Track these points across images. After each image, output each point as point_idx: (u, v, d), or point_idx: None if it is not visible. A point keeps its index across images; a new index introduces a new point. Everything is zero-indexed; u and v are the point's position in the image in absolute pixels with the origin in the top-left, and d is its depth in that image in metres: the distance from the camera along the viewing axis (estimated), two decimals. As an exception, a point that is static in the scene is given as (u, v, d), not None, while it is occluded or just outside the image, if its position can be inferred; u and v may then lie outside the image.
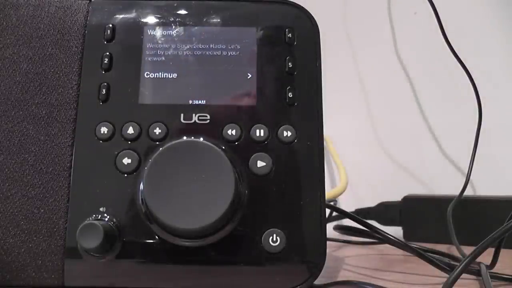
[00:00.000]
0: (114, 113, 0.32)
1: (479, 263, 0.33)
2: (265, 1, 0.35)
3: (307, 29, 0.34)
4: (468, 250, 0.32)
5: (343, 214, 0.42)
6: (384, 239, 0.36)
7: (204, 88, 0.32)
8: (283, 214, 0.30)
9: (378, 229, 0.37)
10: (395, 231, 0.58)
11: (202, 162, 0.29)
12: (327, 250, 0.30)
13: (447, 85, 0.67)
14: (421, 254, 0.34)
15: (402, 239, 0.56)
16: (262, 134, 0.31)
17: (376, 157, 0.70)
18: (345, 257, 0.47)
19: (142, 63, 0.33)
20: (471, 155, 0.55)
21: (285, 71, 0.33)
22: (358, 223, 0.39)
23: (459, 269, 0.27)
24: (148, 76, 0.32)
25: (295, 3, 0.35)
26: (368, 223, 0.38)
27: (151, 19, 0.34)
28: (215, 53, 0.33)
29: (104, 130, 0.31)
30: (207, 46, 0.33)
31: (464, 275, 0.34)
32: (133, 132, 0.31)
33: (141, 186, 0.29)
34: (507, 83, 0.65)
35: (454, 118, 0.66)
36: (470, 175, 0.54)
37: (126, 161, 0.31)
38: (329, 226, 0.41)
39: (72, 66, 0.32)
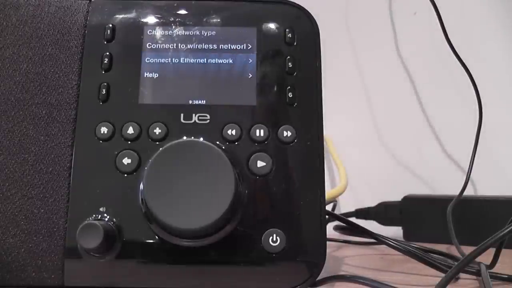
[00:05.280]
0: (114, 113, 0.32)
1: (479, 263, 0.33)
2: (265, 1, 0.35)
3: (307, 29, 0.34)
4: (468, 250, 0.32)
5: (341, 221, 0.42)
6: (380, 242, 0.36)
7: (204, 88, 0.32)
8: (283, 214, 0.30)
9: (373, 233, 0.37)
10: (395, 231, 0.58)
11: (202, 162, 0.29)
12: (327, 250, 0.30)
13: (447, 84, 0.67)
14: (417, 256, 0.33)
15: (402, 239, 0.57)
16: (262, 134, 0.31)
17: (376, 157, 0.70)
18: (345, 257, 0.47)
19: (142, 63, 0.33)
20: (471, 154, 0.55)
21: (285, 71, 0.33)
22: (354, 228, 0.39)
23: (454, 271, 0.27)
24: (148, 76, 0.32)
25: (295, 3, 0.35)
26: (364, 228, 0.38)
27: (151, 19, 0.34)
28: (215, 53, 0.33)
29: (104, 130, 0.31)
30: (207, 46, 0.33)
31: (464, 275, 0.34)
32: (133, 132, 0.31)
33: (141, 186, 0.29)
34: (508, 83, 0.65)
35: (455, 118, 0.66)
36: (470, 174, 0.54)
37: (126, 161, 0.31)
38: (329, 226, 0.41)
39: (72, 66, 0.32)
